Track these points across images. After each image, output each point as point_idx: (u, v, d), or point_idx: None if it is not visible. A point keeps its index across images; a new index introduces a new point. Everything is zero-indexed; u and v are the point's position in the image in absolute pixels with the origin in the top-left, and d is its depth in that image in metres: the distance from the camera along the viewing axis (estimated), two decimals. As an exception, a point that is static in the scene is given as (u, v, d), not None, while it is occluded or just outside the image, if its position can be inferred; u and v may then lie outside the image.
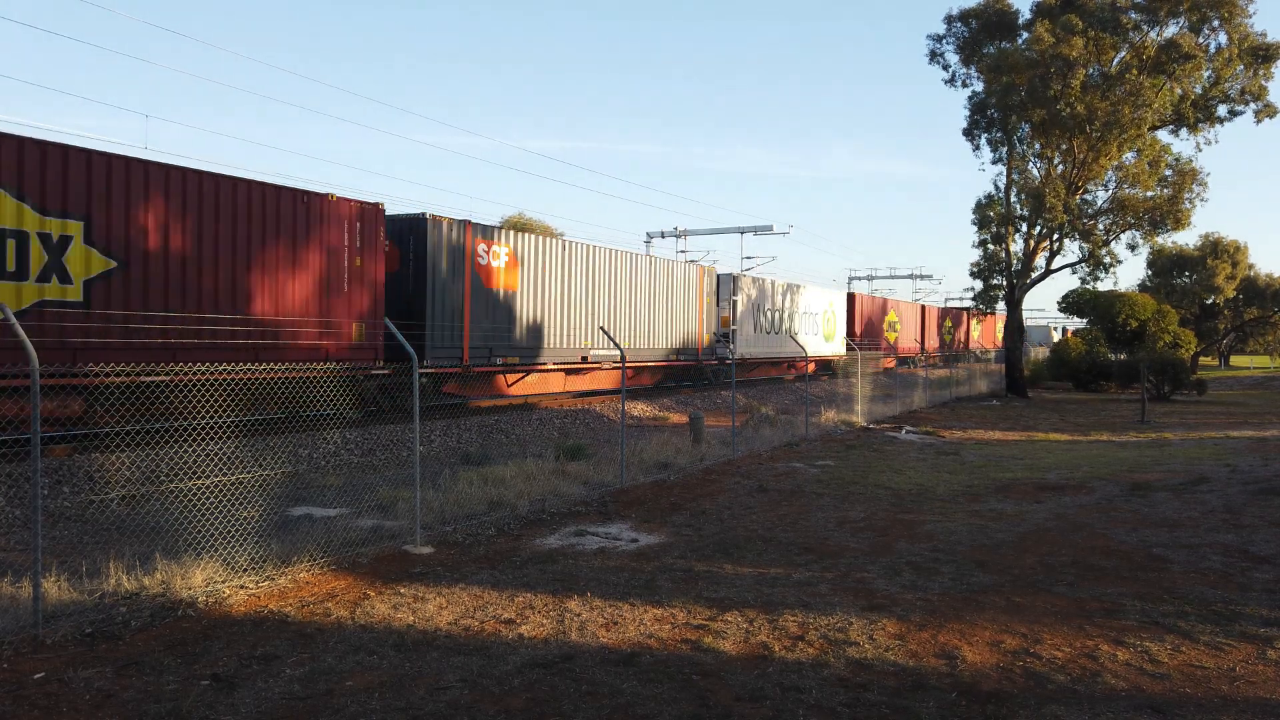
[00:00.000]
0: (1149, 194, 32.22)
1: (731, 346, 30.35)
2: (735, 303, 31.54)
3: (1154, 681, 5.63)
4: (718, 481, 13.13)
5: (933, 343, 56.87)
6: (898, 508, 11.32)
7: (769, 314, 34.60)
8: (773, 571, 8.16)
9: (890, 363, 49.24)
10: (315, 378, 12.44)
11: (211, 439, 10.83)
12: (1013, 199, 33.76)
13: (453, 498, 10.74)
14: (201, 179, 13.93)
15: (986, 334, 72.86)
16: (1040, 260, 34.50)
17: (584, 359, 23.47)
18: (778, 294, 35.85)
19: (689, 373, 31.01)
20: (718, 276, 31.55)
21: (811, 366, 38.46)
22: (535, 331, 21.59)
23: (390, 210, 17.76)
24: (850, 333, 43.01)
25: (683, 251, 49.42)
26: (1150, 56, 29.68)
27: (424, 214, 18.42)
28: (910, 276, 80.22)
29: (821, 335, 39.80)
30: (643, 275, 26.56)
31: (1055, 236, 33.49)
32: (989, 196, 34.33)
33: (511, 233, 21.10)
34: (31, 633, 6.02)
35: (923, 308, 56.34)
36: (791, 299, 37.07)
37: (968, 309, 65.28)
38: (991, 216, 33.92)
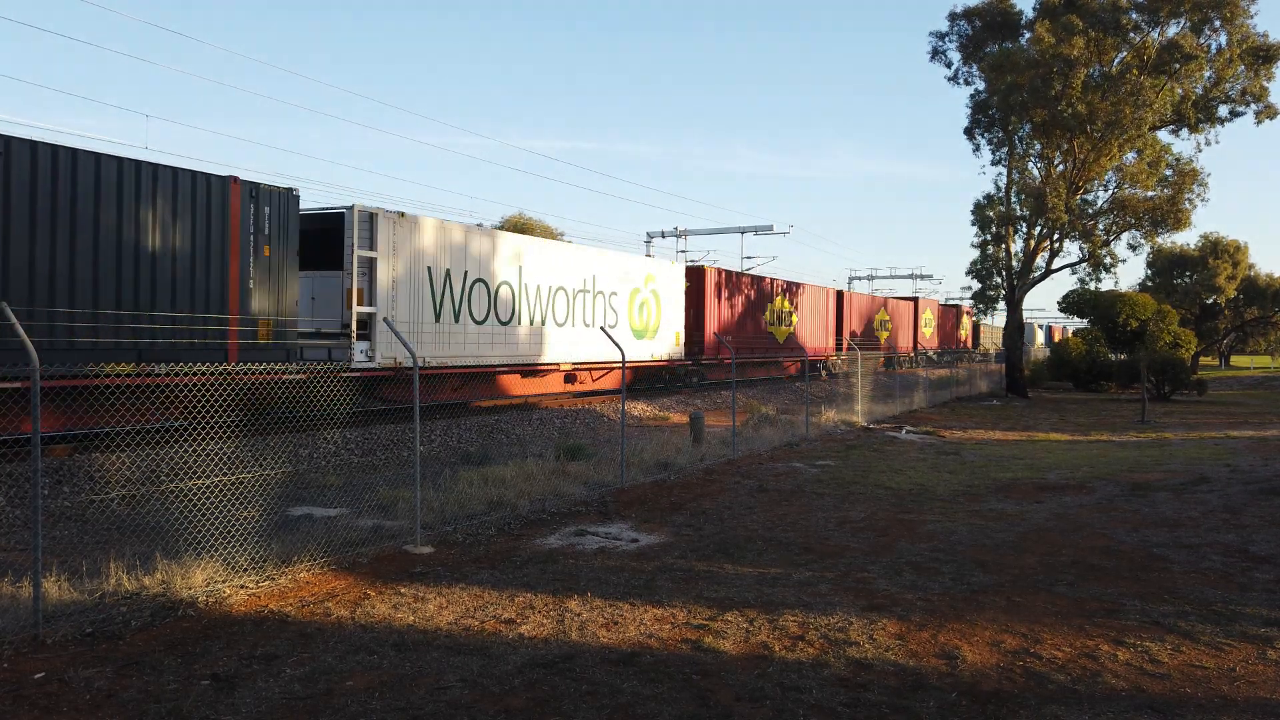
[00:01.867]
0: (1149, 194, 32.26)
1: (370, 345, 16.72)
2: (374, 265, 16.87)
3: (1154, 681, 5.63)
4: (718, 481, 13.12)
5: (865, 342, 44.07)
6: (898, 508, 11.32)
7: (492, 291, 19.98)
8: (773, 571, 8.15)
9: (794, 368, 37.83)
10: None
11: (211, 439, 10.83)
12: (1013, 199, 33.80)
13: (453, 498, 10.73)
14: None
15: (948, 331, 62.37)
16: (1040, 260, 34.54)
17: None
18: (512, 257, 20.60)
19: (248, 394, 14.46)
20: (304, 216, 16.19)
21: (600, 378, 25.00)
22: None
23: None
24: (697, 326, 29.41)
25: (683, 251, 49.45)
26: (1151, 57, 29.69)
27: None
28: (910, 276, 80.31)
29: (630, 329, 25.23)
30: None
31: (1055, 236, 33.52)
32: (989, 196, 34.40)
33: None
34: (31, 632, 6.02)
35: (840, 295, 42.92)
36: (549, 267, 22.01)
37: (916, 300, 55.58)
38: (991, 216, 33.98)
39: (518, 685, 5.44)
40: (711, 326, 29.85)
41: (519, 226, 45.70)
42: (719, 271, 31.22)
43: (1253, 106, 31.15)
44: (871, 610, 7.01)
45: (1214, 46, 30.50)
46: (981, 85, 32.90)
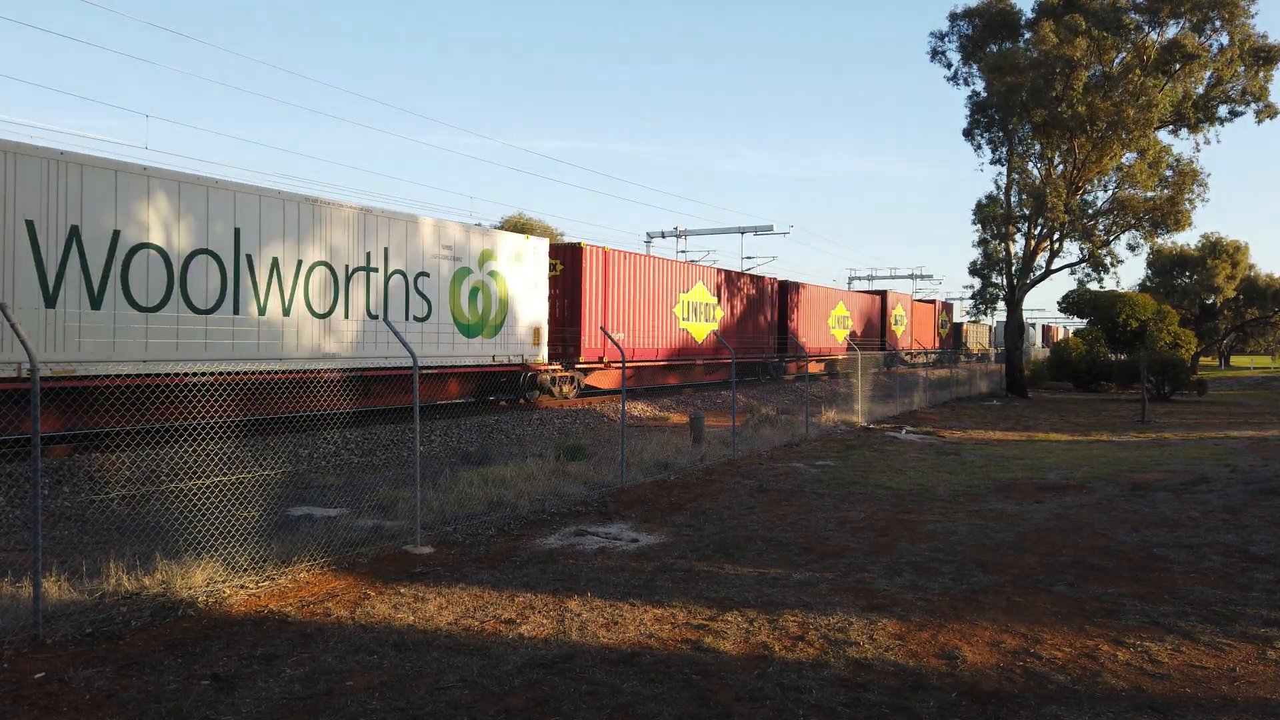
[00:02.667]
0: (1149, 194, 32.26)
1: None
2: None
3: (1154, 681, 5.63)
4: (718, 481, 13.12)
5: (816, 341, 38.74)
6: (898, 508, 11.32)
7: (176, 263, 13.58)
8: (773, 571, 8.15)
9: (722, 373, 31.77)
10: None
11: (211, 439, 10.84)
12: (1013, 199, 33.80)
13: (453, 498, 10.73)
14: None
15: (922, 329, 55.55)
16: (1040, 260, 34.55)
17: None
18: (221, 215, 14.29)
19: None
20: None
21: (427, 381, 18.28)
22: None
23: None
24: (572, 320, 23.43)
25: (683, 251, 49.50)
26: (1151, 57, 29.70)
27: None
28: (910, 276, 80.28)
29: (453, 323, 18.85)
30: None
31: (1055, 236, 33.53)
32: (990, 196, 34.39)
33: None
34: (32, 633, 6.02)
35: (783, 286, 36.53)
36: (298, 234, 15.46)
37: (884, 294, 49.06)
38: (992, 216, 33.97)
39: (518, 685, 5.44)
40: (593, 322, 23.80)
41: (519, 227, 45.68)
42: (604, 252, 24.64)
43: (1253, 106, 31.19)
44: (871, 610, 7.00)
45: (1215, 46, 30.54)
46: (981, 86, 32.94)
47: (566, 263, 23.66)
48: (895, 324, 50.06)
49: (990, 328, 79.95)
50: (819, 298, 40.32)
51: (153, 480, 11.51)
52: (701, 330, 29.90)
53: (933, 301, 60.94)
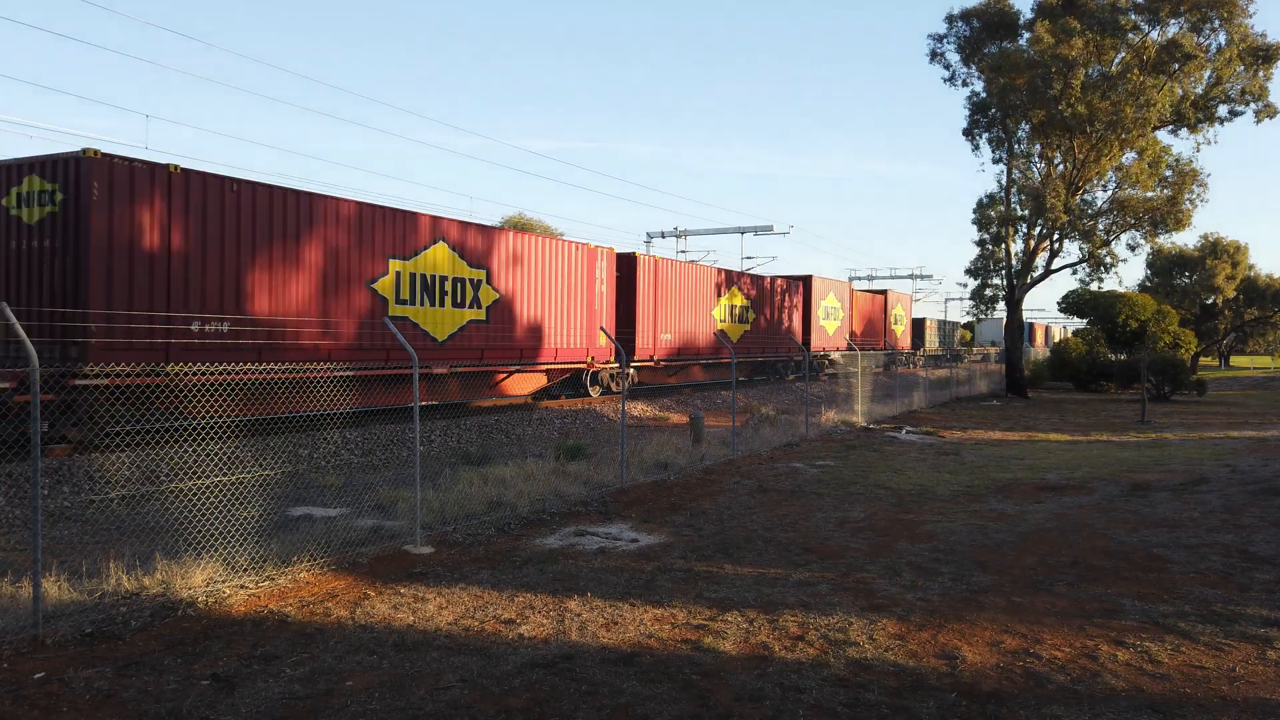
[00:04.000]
0: (1149, 194, 32.27)
1: None
2: None
3: (1154, 682, 5.63)
4: (718, 481, 13.12)
5: (687, 338, 27.47)
6: (898, 508, 11.32)
7: None
8: (773, 572, 8.15)
9: (519, 383, 21.28)
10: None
11: (212, 439, 10.84)
12: (1013, 199, 33.80)
13: (453, 498, 10.73)
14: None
15: (868, 326, 46.56)
16: (1040, 260, 34.55)
17: None
18: None
19: None
20: None
21: None
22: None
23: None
24: (74, 296, 11.98)
25: (683, 251, 49.55)
26: (1150, 57, 29.69)
27: None
28: (910, 276, 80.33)
29: None
30: None
31: (1055, 237, 33.53)
32: (990, 196, 34.40)
33: None
34: (31, 633, 6.02)
35: (630, 262, 25.15)
36: None
37: (809, 279, 38.62)
38: (992, 216, 33.98)
39: (517, 685, 5.44)
40: (128, 299, 12.57)
41: (519, 226, 45.76)
42: (170, 173, 13.11)
43: (1252, 106, 31.17)
44: (871, 611, 7.00)
45: (1214, 46, 30.53)
46: (980, 87, 32.93)
47: (69, 192, 12.39)
48: (825, 318, 39.95)
49: (967, 324, 78.43)
50: (694, 281, 28.27)
51: (152, 480, 11.52)
52: (446, 320, 18.45)
53: (884, 292, 50.24)
